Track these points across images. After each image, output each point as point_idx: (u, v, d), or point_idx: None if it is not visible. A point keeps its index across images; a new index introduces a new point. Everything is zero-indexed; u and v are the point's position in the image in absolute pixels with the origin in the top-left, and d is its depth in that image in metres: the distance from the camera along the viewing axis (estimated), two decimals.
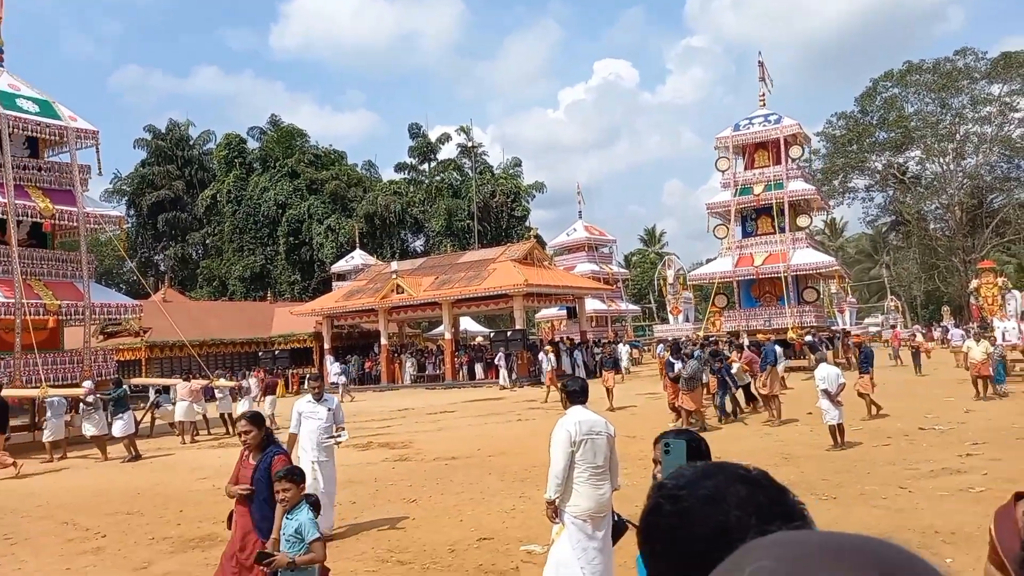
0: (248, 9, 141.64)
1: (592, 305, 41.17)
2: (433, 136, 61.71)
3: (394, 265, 35.03)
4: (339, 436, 7.81)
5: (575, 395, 4.89)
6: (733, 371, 15.23)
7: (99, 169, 21.39)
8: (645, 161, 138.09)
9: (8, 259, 18.64)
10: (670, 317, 39.16)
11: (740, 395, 15.89)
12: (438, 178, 59.74)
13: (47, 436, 15.74)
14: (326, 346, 35.50)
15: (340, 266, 46.07)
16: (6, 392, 17.64)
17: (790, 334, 25.62)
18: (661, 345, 27.43)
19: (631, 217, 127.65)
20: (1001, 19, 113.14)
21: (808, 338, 23.63)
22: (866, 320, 51.41)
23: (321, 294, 43.68)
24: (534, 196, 60.84)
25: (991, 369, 15.89)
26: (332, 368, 34.12)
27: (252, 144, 62.07)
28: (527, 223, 56.69)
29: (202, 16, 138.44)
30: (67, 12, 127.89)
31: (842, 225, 68.54)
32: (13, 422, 18.88)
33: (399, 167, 62.57)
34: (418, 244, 59.59)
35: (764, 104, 29.47)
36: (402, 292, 32.02)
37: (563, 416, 4.83)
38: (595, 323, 43.31)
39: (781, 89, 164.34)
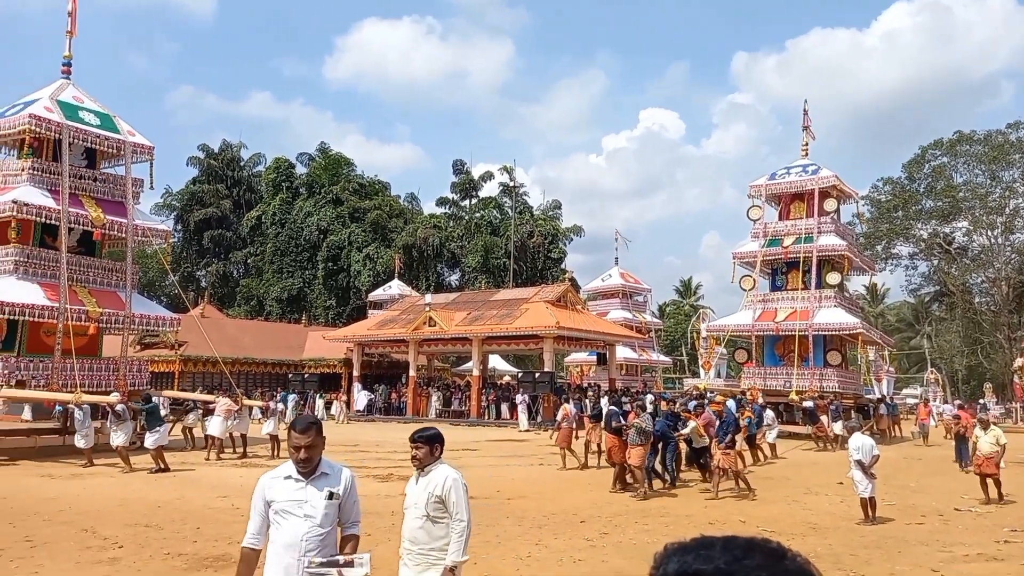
0: (304, 41, 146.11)
1: (623, 353, 40.82)
2: (476, 173, 62.56)
3: (428, 298, 35.24)
4: (353, 567, 3.51)
5: (442, 448, 4.37)
6: (686, 431, 14.25)
7: (151, 184, 22.08)
8: (684, 212, 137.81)
9: (57, 264, 19.20)
10: (701, 371, 38.60)
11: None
12: (478, 215, 60.31)
13: (81, 443, 15.98)
14: (355, 373, 35.66)
15: (377, 295, 46.51)
16: (43, 395, 18.06)
17: (791, 396, 24.80)
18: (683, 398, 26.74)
19: (667, 267, 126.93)
20: None
21: (807, 403, 22.77)
22: (904, 391, 50.11)
23: (355, 321, 44.05)
24: (571, 239, 61.06)
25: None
26: (359, 396, 34.23)
27: (300, 169, 63.53)
28: (563, 265, 56.77)
29: (259, 44, 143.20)
30: (131, 31, 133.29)
31: (883, 291, 67.32)
32: (44, 425, 19.31)
33: (440, 201, 63.43)
34: (453, 278, 59.99)
35: (807, 155, 29.05)
36: (434, 325, 32.13)
37: (437, 470, 4.21)
38: (625, 371, 42.87)
39: (825, 151, 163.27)
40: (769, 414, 20.02)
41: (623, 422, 13.44)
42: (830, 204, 27.68)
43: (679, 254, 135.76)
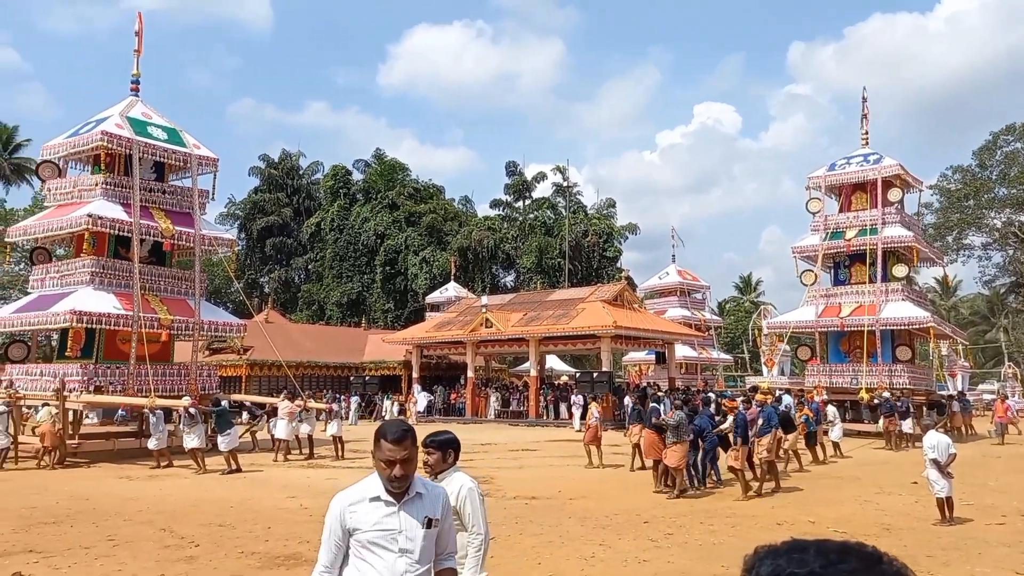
0: (358, 49, 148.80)
1: (682, 351, 40.25)
2: (529, 174, 62.57)
3: (484, 299, 35.42)
4: None
5: (456, 454, 3.95)
6: (726, 425, 13.77)
7: (213, 195, 22.83)
8: (742, 207, 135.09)
9: (130, 274, 20.01)
10: (764, 369, 37.82)
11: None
12: (532, 216, 60.34)
13: (152, 445, 16.66)
14: (414, 375, 36.11)
15: (434, 297, 47.00)
16: (120, 399, 18.85)
17: (861, 394, 24.06)
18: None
19: (726, 264, 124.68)
20: None
21: (885, 395, 21.96)
22: (980, 387, 48.11)
23: (413, 323, 44.60)
24: (627, 237, 60.41)
25: None
26: (419, 397, 34.67)
27: (357, 176, 64.68)
28: (618, 264, 56.27)
29: (314, 55, 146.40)
30: (193, 47, 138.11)
31: (955, 284, 64.69)
32: (121, 429, 20.14)
33: (494, 203, 63.67)
34: (509, 280, 60.12)
35: (867, 143, 28.14)
36: (491, 326, 32.29)
37: (451, 478, 3.80)
38: (685, 370, 42.26)
39: (887, 140, 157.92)
40: (831, 410, 19.44)
41: (663, 419, 13.31)
42: (894, 194, 26.77)
43: (738, 250, 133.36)
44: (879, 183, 26.56)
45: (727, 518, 10.64)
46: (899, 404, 21.13)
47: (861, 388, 24.41)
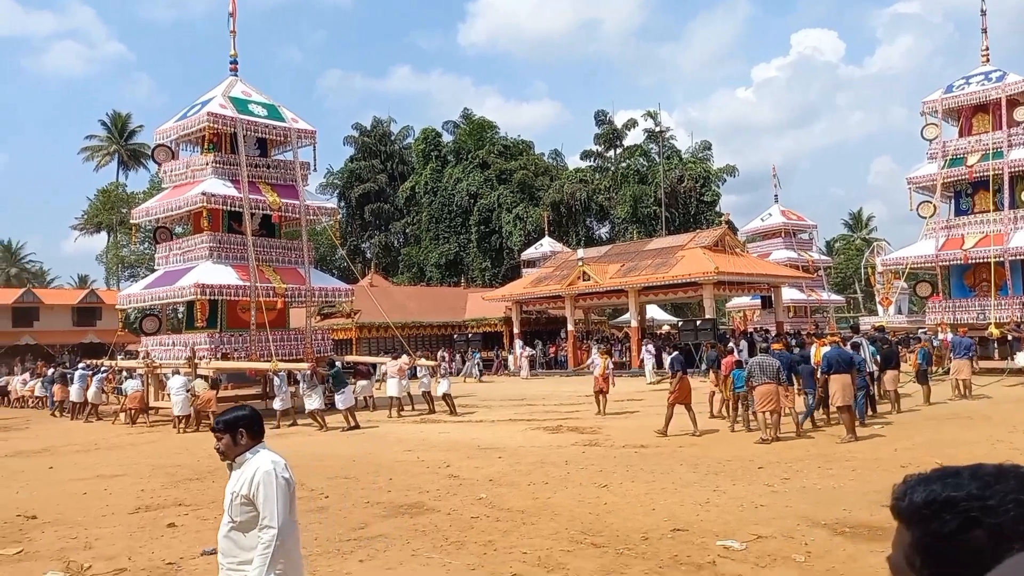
0: (438, 11, 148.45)
1: (789, 295, 38.91)
2: (618, 122, 61.26)
3: (580, 252, 35.28)
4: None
5: (261, 431, 3.47)
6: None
7: (314, 166, 23.63)
8: (848, 139, 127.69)
9: (244, 247, 21.11)
10: (879, 308, 36.10)
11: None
12: (624, 164, 59.24)
13: (277, 405, 17.74)
14: (515, 330, 36.60)
15: (529, 253, 47.22)
16: (246, 365, 20.11)
17: (991, 329, 22.61)
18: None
19: (832, 200, 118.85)
20: None
21: None
22: None
23: (510, 280, 45.04)
24: (724, 180, 58.39)
25: None
26: (522, 352, 35.18)
27: (446, 137, 65.22)
28: (717, 208, 54.68)
29: (396, 20, 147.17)
30: (280, 24, 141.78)
31: None
32: (246, 391, 21.51)
33: (585, 155, 62.85)
34: (603, 231, 59.54)
35: (987, 60, 25.84)
36: (588, 279, 32.21)
37: (249, 462, 3.37)
38: (793, 314, 40.91)
39: (1011, 54, 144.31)
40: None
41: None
42: (1020, 113, 24.62)
43: (845, 185, 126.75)
44: (1003, 102, 24.51)
45: (846, 462, 10.35)
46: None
47: (990, 323, 23.00)
